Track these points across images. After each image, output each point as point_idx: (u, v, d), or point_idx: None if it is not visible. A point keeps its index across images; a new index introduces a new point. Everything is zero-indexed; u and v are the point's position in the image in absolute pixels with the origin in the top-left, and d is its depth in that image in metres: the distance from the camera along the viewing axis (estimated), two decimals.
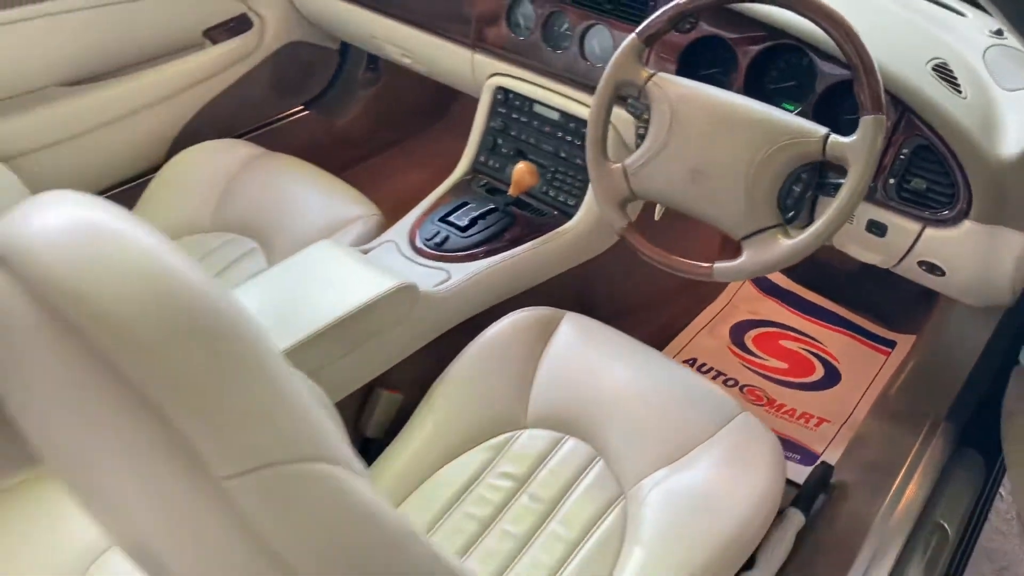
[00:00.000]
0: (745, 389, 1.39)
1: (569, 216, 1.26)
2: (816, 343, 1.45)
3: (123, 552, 0.45)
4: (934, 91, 0.91)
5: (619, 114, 1.11)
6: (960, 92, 0.93)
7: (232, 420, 0.35)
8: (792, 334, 1.47)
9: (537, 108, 1.29)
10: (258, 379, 0.36)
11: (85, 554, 0.84)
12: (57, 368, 0.35)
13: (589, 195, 1.24)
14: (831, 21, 0.85)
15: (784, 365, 1.42)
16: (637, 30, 0.97)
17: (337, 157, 1.75)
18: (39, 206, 0.38)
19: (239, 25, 1.60)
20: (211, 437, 0.34)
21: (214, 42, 1.57)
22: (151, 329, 0.33)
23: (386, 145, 1.95)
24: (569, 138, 1.27)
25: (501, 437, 1.02)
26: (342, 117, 1.87)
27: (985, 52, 1.02)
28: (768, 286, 1.57)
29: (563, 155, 1.28)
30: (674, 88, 0.96)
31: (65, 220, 0.36)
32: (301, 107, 1.86)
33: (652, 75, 0.97)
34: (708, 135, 0.94)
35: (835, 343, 1.45)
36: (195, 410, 0.34)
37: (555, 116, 1.27)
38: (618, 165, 1.01)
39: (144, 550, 0.42)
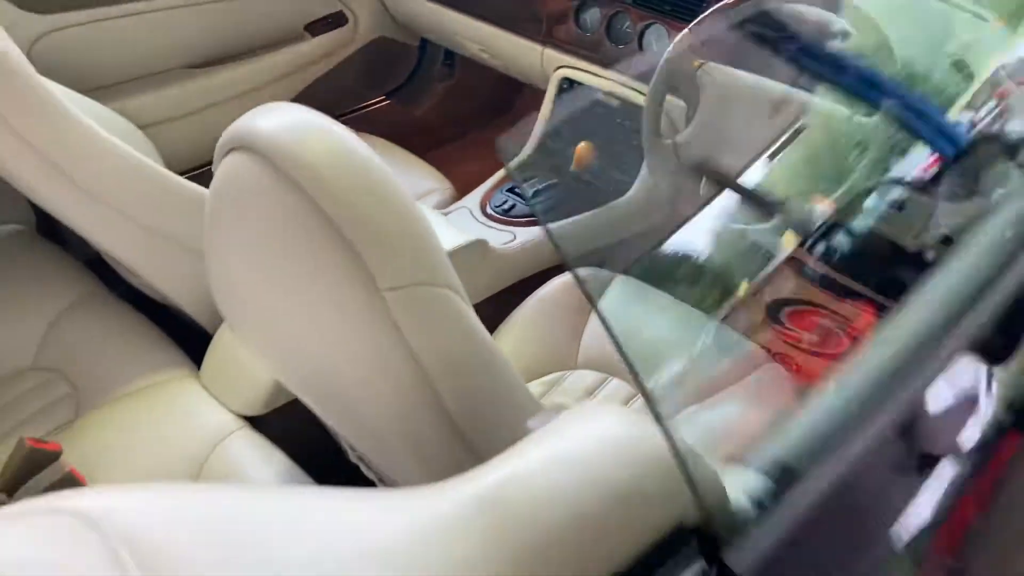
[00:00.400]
0: (777, 357, 1.52)
1: (622, 192, 1.41)
2: (848, 321, 1.57)
3: (290, 380, 0.62)
4: (947, 79, 1.04)
5: (670, 100, 1.26)
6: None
7: (394, 250, 0.51)
8: (826, 312, 1.59)
9: (599, 96, 1.45)
10: (413, 225, 0.53)
11: (211, 438, 1.03)
12: (281, 215, 0.52)
13: (642, 174, 1.39)
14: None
15: (815, 338, 1.54)
16: (690, 26, 1.13)
17: (413, 143, 1.94)
18: (265, 112, 0.56)
19: (335, 21, 1.80)
20: (379, 260, 0.51)
21: (313, 35, 1.78)
22: (349, 186, 0.51)
23: (457, 134, 2.14)
24: (626, 123, 1.42)
25: (554, 375, 1.18)
26: (419, 107, 2.06)
27: None
28: (806, 270, 1.69)
29: (620, 138, 1.43)
30: (721, 75, 1.12)
31: (291, 118, 0.53)
32: (383, 97, 2.06)
33: (702, 64, 1.13)
34: (750, 114, 1.09)
35: (867, 323, 1.56)
36: (371, 241, 0.50)
37: (614, 104, 1.43)
38: (669, 141, 1.16)
39: (312, 370, 0.59)
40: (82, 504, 0.36)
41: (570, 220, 1.35)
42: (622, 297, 1.23)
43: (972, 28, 1.19)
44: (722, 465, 0.52)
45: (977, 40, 1.16)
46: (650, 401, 0.48)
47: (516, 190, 1.40)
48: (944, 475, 0.64)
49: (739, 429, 1.03)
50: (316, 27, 1.77)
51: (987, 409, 0.71)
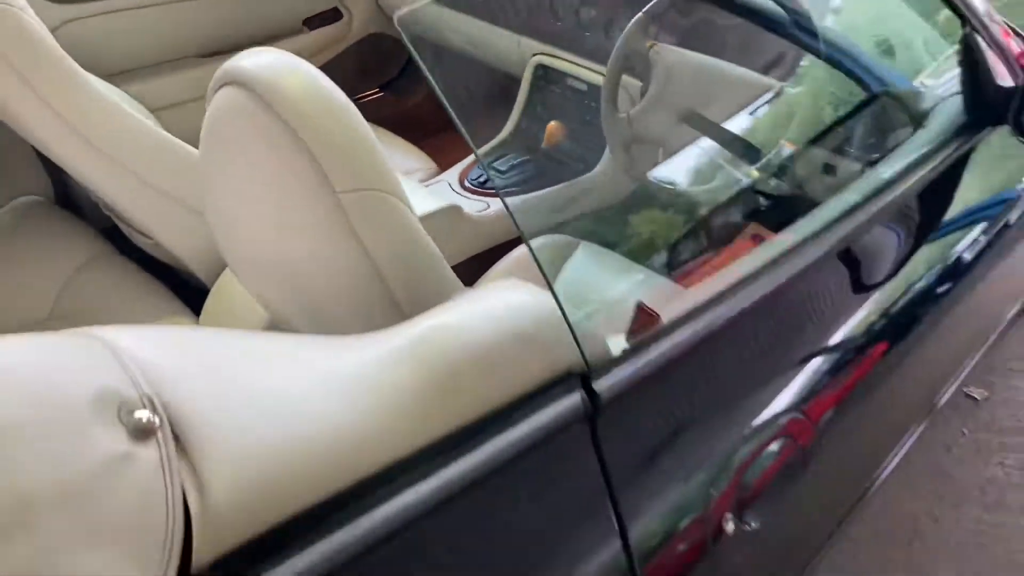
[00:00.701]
0: None
1: (590, 168, 1.53)
2: None
3: (265, 290, 0.74)
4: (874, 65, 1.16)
5: (630, 82, 1.38)
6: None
7: (348, 159, 0.63)
8: None
9: (569, 81, 1.58)
10: (365, 142, 0.65)
11: None
12: (259, 136, 0.64)
13: (607, 152, 1.51)
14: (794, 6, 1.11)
15: None
16: (644, 9, 1.25)
17: (405, 132, 2.07)
18: (250, 54, 0.68)
19: (332, 16, 1.94)
20: (335, 166, 0.63)
21: (311, 29, 1.91)
22: (313, 108, 0.63)
23: (446, 124, 2.26)
24: (594, 104, 1.54)
25: None
26: (410, 99, 2.20)
27: None
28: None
29: (588, 119, 1.56)
30: (671, 55, 1.24)
31: (270, 58, 0.66)
32: (377, 89, 2.19)
33: (654, 44, 1.25)
34: (696, 90, 1.21)
35: None
36: (328, 150, 0.63)
37: (583, 87, 1.56)
38: (624, 114, 1.28)
39: (283, 276, 0.71)
40: (101, 332, 0.49)
41: (538, 193, 1.47)
42: (585, 261, 1.35)
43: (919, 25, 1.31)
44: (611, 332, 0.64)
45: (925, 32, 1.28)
46: (548, 284, 0.60)
47: (493, 165, 1.52)
48: (811, 367, 0.75)
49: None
50: (313, 22, 1.91)
51: (862, 315, 0.83)
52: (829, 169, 0.98)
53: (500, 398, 0.54)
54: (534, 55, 1.63)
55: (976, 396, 1.77)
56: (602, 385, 0.58)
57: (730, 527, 0.64)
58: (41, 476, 0.40)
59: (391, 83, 2.18)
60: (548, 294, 0.60)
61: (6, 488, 0.39)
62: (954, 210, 1.03)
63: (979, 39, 0.97)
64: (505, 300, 0.59)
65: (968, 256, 1.03)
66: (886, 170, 0.89)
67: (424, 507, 0.48)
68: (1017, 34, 1.06)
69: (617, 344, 0.61)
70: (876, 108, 1.06)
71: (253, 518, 0.44)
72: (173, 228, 1.25)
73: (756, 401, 0.70)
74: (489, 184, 1.48)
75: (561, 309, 0.58)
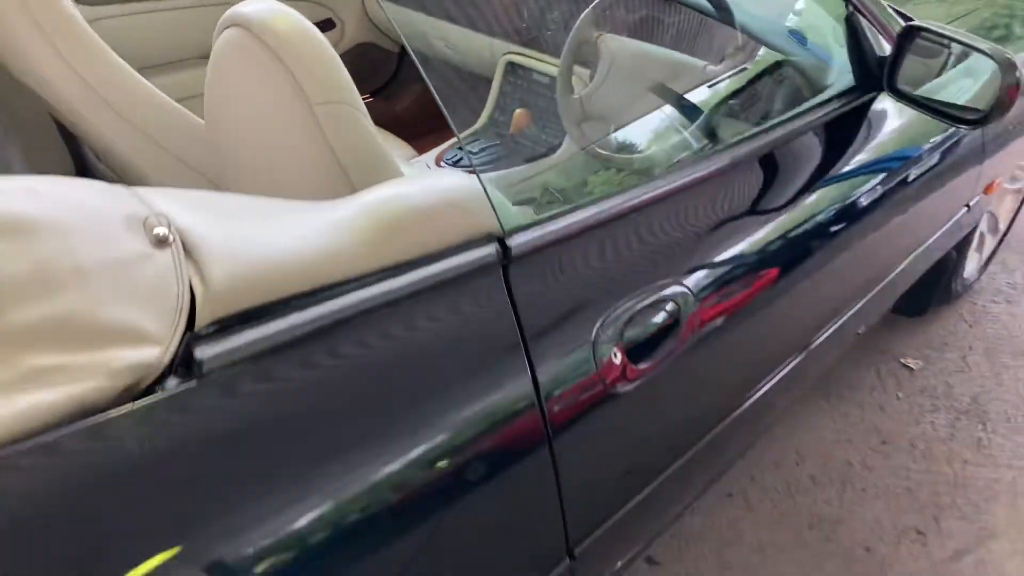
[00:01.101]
0: None
1: (553, 152, 1.71)
2: None
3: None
4: (784, 42, 1.35)
5: (582, 69, 1.57)
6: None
7: (321, 79, 0.81)
8: None
9: (535, 76, 1.77)
10: (335, 69, 0.82)
11: None
12: (253, 66, 0.82)
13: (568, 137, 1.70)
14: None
15: None
16: (593, 4, 1.45)
17: (395, 135, 2.26)
18: (249, 4, 0.86)
19: (324, 26, 2.15)
20: (311, 84, 0.80)
21: None
22: (294, 40, 0.80)
23: (433, 128, 2.45)
24: (555, 96, 1.73)
25: None
26: (398, 105, 2.39)
27: None
28: None
29: (552, 108, 1.74)
30: (615, 42, 1.43)
31: (265, 5, 0.84)
32: (368, 96, 2.39)
33: (600, 35, 1.44)
34: (636, 72, 1.39)
35: None
36: (306, 72, 0.80)
37: (546, 80, 1.75)
38: (577, 96, 1.47)
39: (265, 184, 0.88)
40: (129, 187, 0.66)
41: (505, 171, 1.65)
42: None
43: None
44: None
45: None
46: (477, 174, 0.77)
47: (466, 147, 1.70)
48: (702, 273, 0.92)
49: None
50: None
51: (758, 236, 0.99)
52: (737, 117, 1.16)
53: (433, 245, 0.71)
54: (505, 54, 1.82)
55: (912, 366, 1.93)
56: (514, 242, 0.74)
57: (617, 359, 0.79)
58: (88, 254, 0.57)
59: (380, 90, 2.38)
60: (475, 179, 0.77)
61: (63, 259, 0.55)
62: (855, 160, 1.20)
63: (860, 17, 1.16)
64: (442, 179, 0.76)
65: (864, 202, 1.20)
66: (785, 117, 1.08)
67: (368, 305, 0.64)
68: (898, 12, 1.25)
69: (528, 216, 0.78)
70: (786, 74, 1.24)
71: (240, 299, 0.60)
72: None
73: (654, 277, 0.86)
74: (462, 163, 1.66)
75: (483, 186, 0.75)
